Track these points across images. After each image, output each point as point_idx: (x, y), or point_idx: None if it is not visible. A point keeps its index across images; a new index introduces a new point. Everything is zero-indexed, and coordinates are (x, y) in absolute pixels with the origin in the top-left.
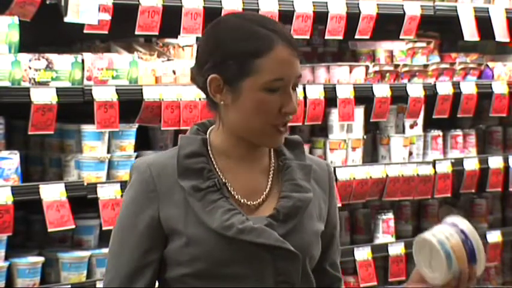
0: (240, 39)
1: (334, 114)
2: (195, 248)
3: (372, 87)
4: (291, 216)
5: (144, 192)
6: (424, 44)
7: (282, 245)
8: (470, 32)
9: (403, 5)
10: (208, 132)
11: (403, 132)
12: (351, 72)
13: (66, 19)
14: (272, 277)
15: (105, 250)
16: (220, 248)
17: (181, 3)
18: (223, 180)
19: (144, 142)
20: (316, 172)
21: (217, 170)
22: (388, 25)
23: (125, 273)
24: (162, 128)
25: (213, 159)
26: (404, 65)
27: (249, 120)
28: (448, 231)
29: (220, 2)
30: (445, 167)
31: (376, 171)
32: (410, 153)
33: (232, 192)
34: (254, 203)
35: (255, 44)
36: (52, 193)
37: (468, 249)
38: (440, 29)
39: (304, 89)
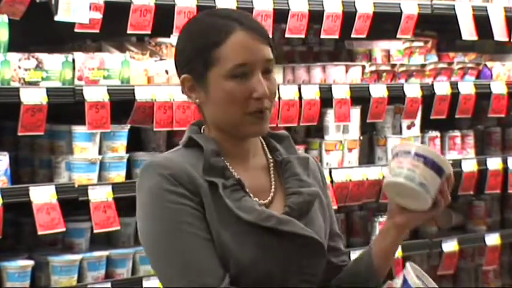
0: (201, 34)
1: (330, 114)
2: (224, 247)
3: (368, 87)
4: (304, 212)
5: (179, 186)
6: (421, 44)
7: (317, 239)
8: (468, 31)
9: (400, 4)
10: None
11: (400, 133)
12: (347, 72)
13: (57, 18)
14: (297, 275)
15: (96, 253)
16: (253, 242)
17: (174, 1)
18: (238, 177)
19: (136, 143)
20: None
21: (230, 169)
22: (385, 24)
23: (210, 260)
24: (154, 129)
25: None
26: (402, 65)
27: (224, 113)
28: (406, 163)
29: (214, 0)
30: None
31: (372, 173)
32: None
33: (247, 191)
34: (265, 201)
35: (213, 35)
36: (42, 195)
37: (432, 166)
38: (438, 28)
39: (299, 89)
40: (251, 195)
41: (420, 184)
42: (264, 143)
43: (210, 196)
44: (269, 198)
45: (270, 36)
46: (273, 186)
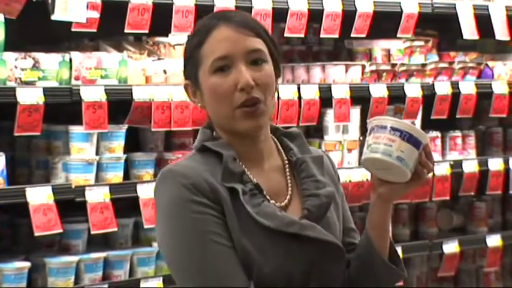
0: (190, 39)
1: (330, 114)
2: (247, 254)
3: (368, 87)
4: (321, 214)
5: (200, 195)
6: (422, 43)
7: (338, 243)
8: (469, 31)
9: (400, 3)
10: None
11: None
12: (346, 71)
13: (54, 17)
14: (317, 279)
15: (94, 255)
16: (276, 248)
17: (172, 0)
18: (256, 182)
19: (134, 144)
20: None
21: (247, 173)
22: (385, 23)
23: (237, 268)
24: (152, 129)
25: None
26: (402, 64)
27: (216, 111)
28: (382, 138)
29: None
30: (443, 169)
31: None
32: None
33: (266, 195)
34: (282, 204)
35: (198, 36)
36: (39, 196)
37: (408, 140)
38: (439, 27)
39: (298, 88)
40: (268, 197)
41: (398, 158)
42: (277, 142)
43: (231, 203)
44: (286, 200)
45: (269, 31)
46: (289, 189)
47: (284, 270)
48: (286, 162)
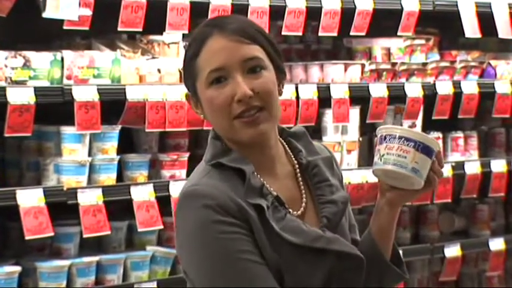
0: (186, 50)
1: (328, 115)
2: (275, 267)
3: (368, 86)
4: (338, 221)
5: (228, 216)
6: (423, 41)
7: (360, 255)
8: (471, 29)
9: (400, 0)
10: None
11: None
12: (345, 70)
13: (45, 14)
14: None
15: (86, 259)
16: (303, 263)
17: None
18: (276, 194)
19: (127, 145)
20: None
21: (266, 184)
22: (385, 21)
23: (274, 285)
24: (146, 130)
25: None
26: (402, 63)
27: (216, 122)
28: (395, 148)
29: None
30: (445, 171)
31: (372, 176)
32: None
33: (286, 205)
34: (298, 212)
35: (193, 46)
36: (30, 199)
37: (422, 150)
38: (440, 26)
39: (296, 88)
40: (287, 206)
41: (412, 170)
42: (285, 145)
43: (258, 220)
44: (302, 209)
45: (268, 34)
46: (304, 196)
47: (309, 283)
48: (297, 166)
